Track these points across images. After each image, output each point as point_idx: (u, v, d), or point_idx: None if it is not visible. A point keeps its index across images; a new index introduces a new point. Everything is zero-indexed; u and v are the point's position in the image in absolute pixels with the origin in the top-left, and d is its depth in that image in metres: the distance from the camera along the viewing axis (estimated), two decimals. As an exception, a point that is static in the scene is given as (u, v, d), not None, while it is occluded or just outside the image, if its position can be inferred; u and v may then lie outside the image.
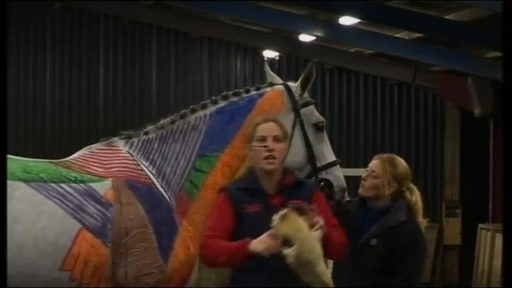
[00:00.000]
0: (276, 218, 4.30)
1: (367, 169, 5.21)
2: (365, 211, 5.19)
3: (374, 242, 5.07)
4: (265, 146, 4.61)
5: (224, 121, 5.33)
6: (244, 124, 5.29)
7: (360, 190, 5.21)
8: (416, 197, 5.22)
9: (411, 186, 5.24)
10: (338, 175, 5.36)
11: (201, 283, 14.77)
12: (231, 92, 5.46)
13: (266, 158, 4.60)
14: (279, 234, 4.29)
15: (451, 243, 15.35)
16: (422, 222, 5.21)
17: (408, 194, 5.20)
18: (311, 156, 5.30)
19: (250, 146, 4.69)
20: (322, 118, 5.43)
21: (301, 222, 4.32)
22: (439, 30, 11.61)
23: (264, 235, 4.36)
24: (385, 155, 5.28)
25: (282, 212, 4.31)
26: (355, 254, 5.05)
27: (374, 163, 5.20)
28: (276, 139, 4.64)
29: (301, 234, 4.30)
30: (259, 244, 4.36)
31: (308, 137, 5.33)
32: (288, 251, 4.28)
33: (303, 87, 5.44)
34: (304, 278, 4.38)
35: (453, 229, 15.35)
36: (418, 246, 5.11)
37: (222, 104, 5.39)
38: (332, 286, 4.42)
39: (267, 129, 4.67)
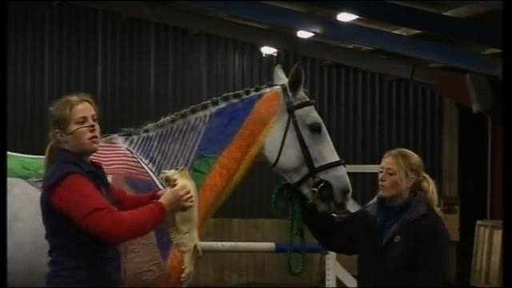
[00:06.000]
0: (172, 172, 4.53)
1: (380, 169, 5.18)
2: (385, 211, 5.17)
3: (397, 238, 5.06)
4: (90, 126, 4.45)
5: (223, 123, 5.33)
6: (242, 127, 5.30)
7: (381, 192, 5.16)
8: (432, 185, 5.22)
9: (425, 175, 5.24)
10: (340, 176, 5.29)
11: (198, 280, 14.81)
12: (232, 93, 5.45)
13: (91, 138, 4.46)
14: (182, 186, 4.48)
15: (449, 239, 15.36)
16: (436, 210, 5.21)
17: (425, 184, 5.20)
18: (307, 157, 5.26)
19: (73, 130, 4.44)
20: (317, 119, 5.36)
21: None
22: (437, 26, 11.62)
23: (169, 191, 4.46)
24: (394, 151, 5.24)
25: (178, 169, 4.58)
26: (380, 253, 5.07)
27: (387, 161, 5.17)
28: (94, 118, 4.49)
29: (193, 187, 4.56)
30: (170, 198, 4.44)
31: (303, 138, 5.29)
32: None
33: (293, 89, 5.38)
34: (181, 240, 4.53)
35: (451, 225, 15.33)
36: (440, 237, 5.12)
37: (222, 105, 5.38)
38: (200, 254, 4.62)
39: (85, 109, 4.48)
